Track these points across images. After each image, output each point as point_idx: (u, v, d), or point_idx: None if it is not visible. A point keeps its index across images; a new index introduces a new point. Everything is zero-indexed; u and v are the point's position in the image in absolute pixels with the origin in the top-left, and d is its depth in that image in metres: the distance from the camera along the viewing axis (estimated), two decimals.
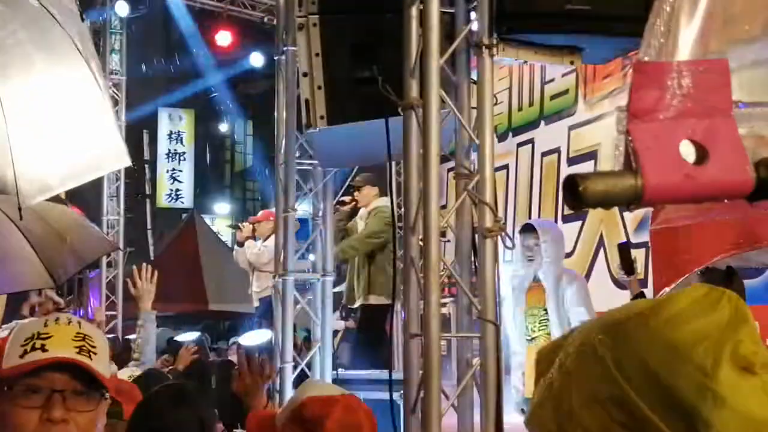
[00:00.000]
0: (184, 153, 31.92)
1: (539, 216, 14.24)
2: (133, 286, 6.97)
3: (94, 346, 2.49)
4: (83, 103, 5.47)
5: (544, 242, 8.20)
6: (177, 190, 31.90)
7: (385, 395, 5.96)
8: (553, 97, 14.80)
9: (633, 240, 10.86)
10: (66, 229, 7.65)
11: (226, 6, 19.48)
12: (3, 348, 2.49)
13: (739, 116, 1.66)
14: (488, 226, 5.31)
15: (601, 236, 13.08)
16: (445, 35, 5.36)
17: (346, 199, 10.54)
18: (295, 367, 7.23)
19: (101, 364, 2.50)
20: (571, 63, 5.80)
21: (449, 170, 9.02)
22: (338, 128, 6.05)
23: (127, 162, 5.96)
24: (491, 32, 5.40)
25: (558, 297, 7.97)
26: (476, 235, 5.46)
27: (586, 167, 13.14)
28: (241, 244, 14.10)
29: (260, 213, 14.60)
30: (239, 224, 15.08)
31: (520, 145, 15.45)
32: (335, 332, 11.15)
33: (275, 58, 7.45)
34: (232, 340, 16.12)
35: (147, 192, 30.31)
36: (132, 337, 14.27)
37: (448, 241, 8.62)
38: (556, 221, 12.95)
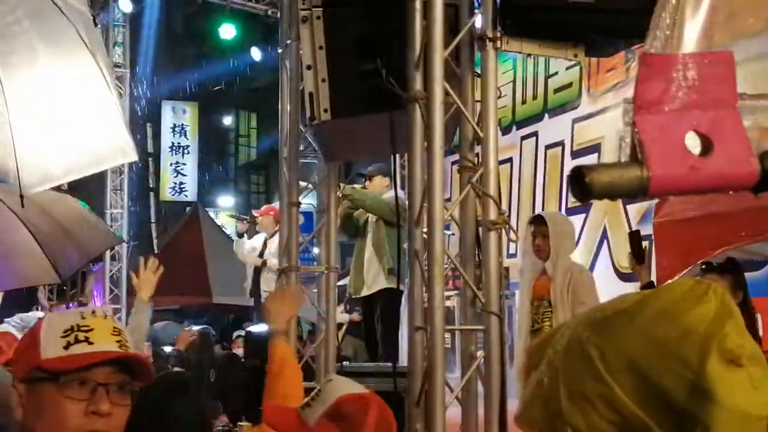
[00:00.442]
0: (187, 146, 31.93)
1: (543, 209, 14.26)
2: (135, 277, 6.97)
3: (127, 341, 2.52)
4: (88, 96, 5.47)
5: (552, 234, 8.18)
6: (181, 183, 31.92)
7: (389, 387, 5.97)
8: (556, 91, 14.82)
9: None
10: (71, 223, 7.67)
11: None
12: (30, 344, 2.49)
13: (744, 108, 1.67)
14: (492, 218, 5.32)
15: (605, 229, 13.10)
16: (449, 28, 5.36)
17: (357, 186, 10.55)
18: (298, 361, 7.22)
19: None
20: (575, 56, 5.81)
21: (453, 163, 9.04)
22: (342, 121, 6.05)
23: (133, 157, 5.96)
24: (495, 25, 5.41)
25: (563, 290, 7.96)
26: (480, 228, 5.47)
27: (589, 160, 13.16)
28: (241, 236, 14.10)
29: (264, 207, 14.61)
30: (240, 215, 15.10)
31: (524, 138, 15.47)
32: (339, 325, 11.18)
33: (279, 51, 7.44)
34: (236, 333, 16.15)
35: (151, 185, 30.35)
36: None
37: (452, 234, 8.63)
38: None
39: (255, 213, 14.39)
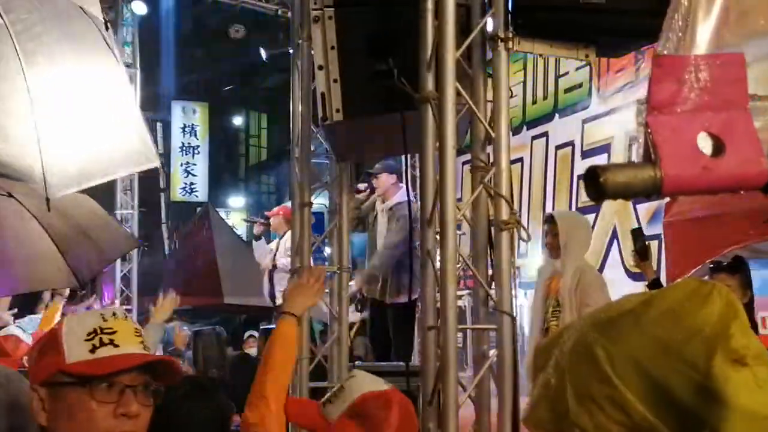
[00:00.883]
0: (198, 146, 31.93)
1: (553, 209, 14.26)
2: (153, 304, 7.07)
3: (147, 341, 2.55)
4: (112, 99, 5.49)
5: (561, 233, 8.18)
6: (191, 183, 31.93)
7: (402, 386, 5.99)
8: (567, 91, 14.82)
9: (646, 232, 10.87)
10: (91, 226, 7.69)
11: None
12: (51, 347, 2.49)
13: (755, 109, 1.69)
14: (504, 218, 5.34)
15: (615, 228, 13.09)
16: (460, 28, 5.38)
17: (362, 186, 10.58)
18: (311, 360, 7.23)
19: None
20: (586, 57, 5.81)
21: (464, 163, 9.05)
22: (354, 121, 6.06)
23: (156, 162, 5.97)
24: (507, 25, 5.42)
25: (571, 290, 7.95)
26: (492, 228, 5.48)
27: (599, 160, 13.16)
28: (258, 238, 14.12)
29: (275, 208, 14.61)
30: (255, 218, 15.10)
31: (534, 138, 15.47)
32: (351, 324, 11.19)
33: (290, 51, 7.45)
34: (247, 333, 16.15)
35: (161, 186, 30.37)
36: None
37: (463, 233, 8.64)
38: None
39: (267, 214, 14.40)
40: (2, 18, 5.12)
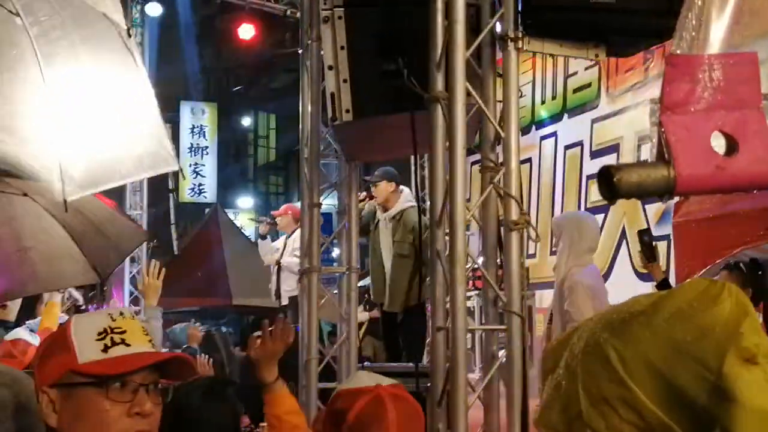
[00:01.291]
0: (206, 147, 31.96)
1: (562, 209, 14.27)
2: (140, 284, 7.01)
3: (154, 339, 2.55)
4: (131, 101, 5.49)
5: (556, 238, 8.17)
6: (200, 184, 31.96)
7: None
8: (575, 91, 14.82)
9: (655, 233, 10.85)
10: (104, 222, 7.71)
11: None
12: (60, 348, 2.48)
13: None
14: (514, 218, 5.33)
15: (623, 229, 13.09)
16: (470, 28, 5.38)
17: (361, 195, 10.45)
18: (320, 361, 7.24)
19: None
20: (596, 56, 5.80)
21: (473, 163, 9.06)
22: (363, 121, 6.07)
23: (175, 166, 5.97)
24: (516, 25, 5.42)
25: (560, 295, 7.91)
26: (501, 228, 5.48)
27: (608, 160, 13.14)
28: (263, 238, 14.12)
29: (281, 207, 14.61)
30: (260, 218, 15.12)
31: (543, 138, 15.48)
32: (359, 324, 11.19)
33: (299, 51, 7.46)
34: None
35: (170, 186, 30.41)
36: None
37: (472, 234, 8.64)
38: None
39: (273, 214, 14.41)
40: (22, 20, 5.14)
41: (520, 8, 5.44)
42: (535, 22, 5.51)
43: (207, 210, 28.57)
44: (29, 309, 10.27)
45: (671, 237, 9.93)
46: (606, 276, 11.51)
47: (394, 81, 5.61)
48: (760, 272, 7.79)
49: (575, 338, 1.58)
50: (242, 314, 22.50)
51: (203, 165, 32.03)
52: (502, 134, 5.40)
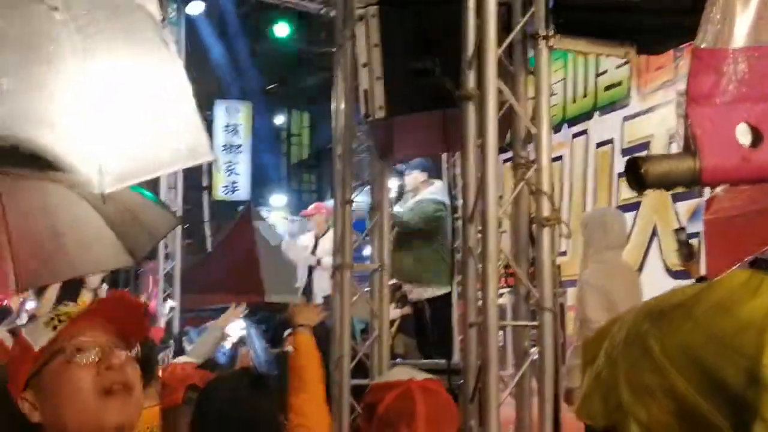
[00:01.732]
0: (240, 145, 32.00)
1: (593, 207, 14.24)
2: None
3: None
4: (166, 93, 5.52)
5: (584, 233, 8.21)
6: (233, 182, 32.00)
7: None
8: (606, 89, 14.78)
9: (687, 230, 10.83)
10: (135, 206, 7.80)
11: None
12: (20, 350, 2.49)
13: None
14: (546, 215, 5.36)
15: (655, 227, 13.05)
16: (502, 26, 5.41)
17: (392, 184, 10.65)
18: (353, 358, 7.26)
19: None
20: (626, 55, 5.82)
21: (505, 161, 9.07)
22: (396, 119, 6.10)
23: (209, 157, 6.02)
24: (548, 23, 5.44)
25: (577, 292, 7.96)
26: (533, 225, 5.50)
27: None
28: (292, 236, 14.18)
29: (311, 206, 14.64)
30: (290, 216, 15.19)
31: (574, 136, 15.44)
32: (392, 321, 11.24)
33: (333, 49, 7.49)
34: (287, 332, 16.18)
35: (204, 184, 30.48)
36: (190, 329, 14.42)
37: (504, 231, 8.66)
38: None
39: (303, 213, 14.47)
40: (62, 14, 5.19)
41: (551, 6, 5.47)
42: (566, 20, 5.54)
43: (240, 208, 28.64)
44: (73, 294, 10.39)
45: (702, 234, 9.90)
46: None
47: (427, 79, 5.65)
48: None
49: (615, 329, 1.60)
50: (274, 311, 22.57)
51: (237, 163, 32.08)
52: (534, 131, 5.43)
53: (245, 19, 23.59)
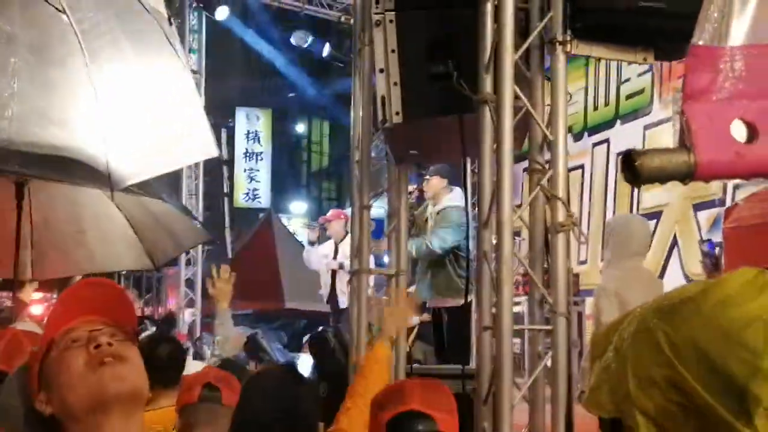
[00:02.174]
0: (261, 153, 32.19)
1: (614, 215, 14.25)
2: (211, 286, 7.15)
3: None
4: (172, 92, 5.59)
5: (607, 238, 8.23)
6: (254, 189, 32.19)
7: (458, 389, 6.05)
8: (628, 97, 14.78)
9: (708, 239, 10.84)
10: (166, 216, 7.88)
11: (303, 5, 19.61)
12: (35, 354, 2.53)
13: None
14: (560, 220, 5.36)
15: (675, 235, 13.05)
16: (519, 31, 5.42)
17: (411, 187, 10.75)
18: None
19: None
20: (644, 60, 5.81)
21: (525, 170, 9.09)
22: (413, 124, 6.12)
23: (215, 152, 6.07)
24: (565, 29, 5.45)
25: (594, 298, 7.97)
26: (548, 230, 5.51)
27: None
28: (312, 244, 14.25)
29: (330, 212, 14.69)
30: (310, 224, 15.24)
31: (595, 144, 15.46)
32: (410, 329, 11.29)
33: (351, 56, 7.51)
34: (305, 338, 16.24)
35: (225, 191, 30.64)
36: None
37: (523, 239, 8.67)
38: None
39: (321, 220, 14.53)
40: (69, 17, 5.26)
41: (569, 12, 5.48)
42: (584, 25, 5.53)
43: (261, 215, 28.76)
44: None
45: (722, 243, 9.90)
46: None
47: (444, 83, 5.67)
48: None
49: (625, 323, 1.63)
50: (295, 318, 22.63)
51: (258, 170, 32.27)
52: (550, 137, 5.44)
53: (267, 27, 23.66)
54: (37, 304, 12.09)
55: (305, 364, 11.08)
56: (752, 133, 1.59)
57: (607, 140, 15.24)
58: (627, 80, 14.78)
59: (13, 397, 2.47)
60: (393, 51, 6.00)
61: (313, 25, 21.38)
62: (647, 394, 1.53)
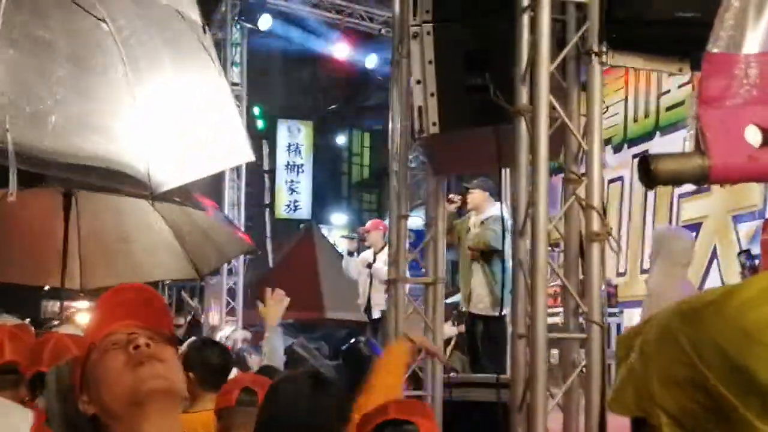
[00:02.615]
0: (302, 165, 32.33)
1: (653, 228, 14.21)
2: (262, 306, 7.30)
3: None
4: (209, 97, 5.67)
5: (653, 249, 8.25)
6: (295, 201, 32.31)
7: (493, 398, 6.09)
8: (668, 109, 14.73)
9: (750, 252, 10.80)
10: (210, 227, 7.98)
11: (344, 18, 19.70)
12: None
13: None
14: (595, 230, 5.39)
15: (715, 248, 13.00)
16: (555, 42, 5.45)
17: (455, 197, 10.84)
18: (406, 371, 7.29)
19: None
20: (680, 70, 5.81)
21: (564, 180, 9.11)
22: (450, 135, 6.17)
23: (251, 156, 6.14)
24: (601, 40, 5.47)
25: (645, 299, 8.03)
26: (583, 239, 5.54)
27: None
28: (351, 254, 14.30)
29: (369, 223, 14.74)
30: (349, 234, 15.29)
31: (635, 156, 15.40)
32: (448, 340, 11.35)
33: (390, 67, 7.56)
34: (344, 347, 16.26)
35: (266, 202, 30.77)
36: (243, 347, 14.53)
37: (562, 251, 8.69)
38: None
39: (360, 231, 14.58)
40: (109, 26, 5.35)
41: (605, 23, 5.49)
42: (620, 36, 5.55)
43: (301, 226, 28.86)
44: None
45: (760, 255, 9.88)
46: None
47: (480, 94, 5.71)
48: None
49: (648, 326, 1.67)
50: (336, 327, 22.67)
51: (299, 182, 32.39)
52: (585, 147, 5.47)
53: (307, 39, 23.78)
54: (84, 312, 12.22)
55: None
56: (766, 138, 1.63)
57: (646, 152, 15.19)
58: (667, 92, 14.74)
59: (52, 399, 2.55)
60: (430, 62, 6.05)
61: (353, 38, 21.44)
62: (670, 394, 1.56)
